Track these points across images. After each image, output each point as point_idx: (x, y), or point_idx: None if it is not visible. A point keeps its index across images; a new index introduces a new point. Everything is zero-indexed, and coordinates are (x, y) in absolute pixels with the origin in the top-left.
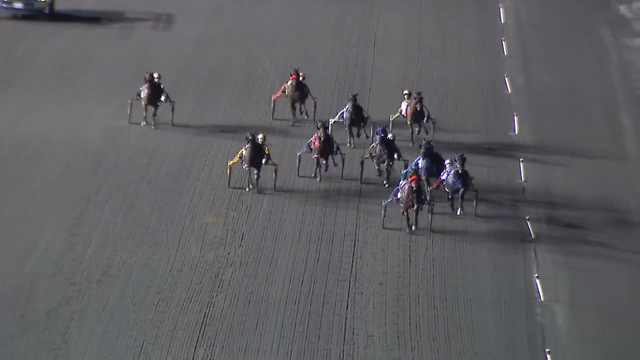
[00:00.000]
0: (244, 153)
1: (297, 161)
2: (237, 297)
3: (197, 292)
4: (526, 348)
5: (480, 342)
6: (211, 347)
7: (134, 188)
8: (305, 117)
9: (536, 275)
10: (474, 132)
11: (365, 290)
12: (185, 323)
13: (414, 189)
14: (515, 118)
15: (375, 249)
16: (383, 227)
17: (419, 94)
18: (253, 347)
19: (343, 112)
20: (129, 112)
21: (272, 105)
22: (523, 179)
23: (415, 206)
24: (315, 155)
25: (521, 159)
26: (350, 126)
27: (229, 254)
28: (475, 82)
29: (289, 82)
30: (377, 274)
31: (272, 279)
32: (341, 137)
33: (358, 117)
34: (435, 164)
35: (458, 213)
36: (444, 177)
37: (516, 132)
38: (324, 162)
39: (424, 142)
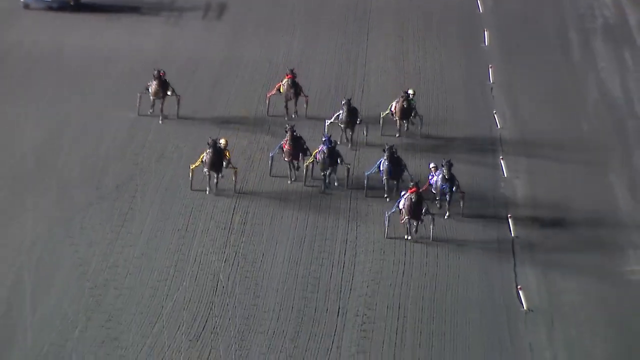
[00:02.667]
0: (205, 157)
1: (269, 161)
2: (265, 175)
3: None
4: (492, 214)
5: (456, 209)
6: (245, 214)
7: (183, 89)
8: (295, 116)
9: (501, 157)
10: (450, 41)
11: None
12: (225, 195)
13: (414, 200)
14: (486, 32)
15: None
16: (386, 237)
17: (406, 92)
18: (278, 215)
19: (339, 115)
20: (137, 105)
21: (267, 102)
22: (492, 81)
23: (416, 218)
24: (286, 159)
25: (490, 65)
26: (345, 128)
27: (258, 142)
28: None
29: (284, 81)
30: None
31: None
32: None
33: (353, 119)
34: (396, 167)
35: (445, 217)
36: (432, 180)
37: (486, 44)
38: (294, 163)
39: (387, 147)
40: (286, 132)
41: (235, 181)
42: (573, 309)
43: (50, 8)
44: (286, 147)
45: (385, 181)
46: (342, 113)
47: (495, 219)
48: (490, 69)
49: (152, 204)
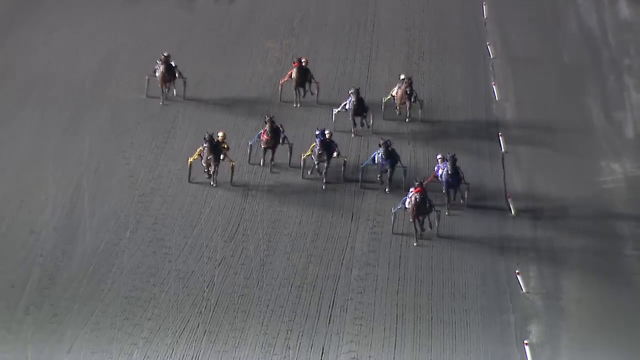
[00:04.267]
0: (202, 151)
1: (247, 150)
2: (290, 98)
3: (263, 94)
4: (485, 132)
5: (453, 120)
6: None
7: (219, 24)
8: (304, 97)
9: (493, 83)
10: None
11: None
12: (256, 111)
13: (418, 200)
14: None
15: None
16: (393, 233)
17: (409, 78)
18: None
19: (346, 104)
20: (146, 86)
21: (279, 88)
22: (485, 16)
23: (421, 216)
24: (263, 146)
25: (484, 2)
26: (353, 117)
27: (283, 69)
28: None
29: (294, 69)
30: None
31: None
32: (344, 126)
33: (360, 108)
34: (390, 160)
35: (446, 214)
36: (438, 173)
37: None
38: (271, 152)
39: (382, 142)
40: (265, 122)
41: (231, 175)
42: (553, 213)
43: None
44: (264, 136)
45: (380, 174)
46: (349, 102)
47: (487, 137)
48: (484, 6)
49: (190, 124)
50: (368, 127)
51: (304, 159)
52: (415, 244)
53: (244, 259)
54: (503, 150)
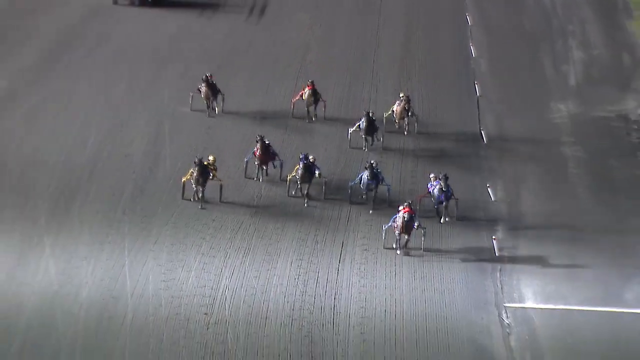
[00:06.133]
0: (193, 173)
1: (244, 165)
2: (318, 61)
3: (295, 55)
4: (466, 98)
5: (436, 88)
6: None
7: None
8: (315, 119)
9: (470, 43)
10: None
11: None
12: (288, 73)
13: (406, 219)
14: None
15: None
16: (384, 247)
17: (407, 96)
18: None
19: (360, 124)
20: (190, 102)
21: (291, 106)
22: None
23: (407, 233)
24: (257, 163)
25: None
26: (365, 135)
27: (313, 34)
28: None
29: (306, 91)
30: None
31: (334, 57)
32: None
33: (372, 128)
34: (375, 181)
35: (441, 221)
36: (431, 189)
37: None
38: (264, 167)
39: (368, 164)
40: (257, 141)
41: (220, 193)
42: (515, 143)
43: (132, 3)
44: (257, 153)
45: (365, 194)
46: (362, 123)
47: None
48: None
49: (236, 86)
50: (379, 140)
51: (290, 178)
52: (398, 253)
53: (283, 178)
54: (478, 94)
